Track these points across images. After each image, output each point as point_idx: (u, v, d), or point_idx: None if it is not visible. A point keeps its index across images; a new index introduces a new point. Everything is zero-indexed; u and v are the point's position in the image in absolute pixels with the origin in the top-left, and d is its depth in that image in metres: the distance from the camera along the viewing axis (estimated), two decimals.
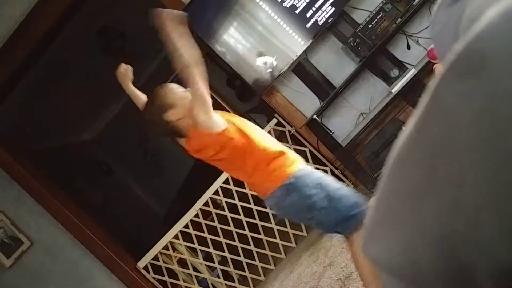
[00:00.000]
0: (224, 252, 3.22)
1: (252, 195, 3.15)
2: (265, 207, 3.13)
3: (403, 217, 0.30)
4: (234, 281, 3.32)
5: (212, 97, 1.75)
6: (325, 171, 3.04)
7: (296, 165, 1.64)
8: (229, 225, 3.20)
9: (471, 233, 0.26)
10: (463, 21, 0.33)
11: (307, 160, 3.00)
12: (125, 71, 1.91)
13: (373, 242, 0.33)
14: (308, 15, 2.82)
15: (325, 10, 2.80)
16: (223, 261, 3.41)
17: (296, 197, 1.57)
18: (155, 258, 3.28)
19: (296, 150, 1.94)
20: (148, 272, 3.30)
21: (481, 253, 0.25)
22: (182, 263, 3.45)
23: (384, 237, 0.31)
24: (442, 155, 0.27)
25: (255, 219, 3.17)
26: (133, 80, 1.94)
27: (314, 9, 2.80)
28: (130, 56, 4.81)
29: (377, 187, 0.33)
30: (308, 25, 2.83)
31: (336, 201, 1.57)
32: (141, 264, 3.29)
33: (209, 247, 3.25)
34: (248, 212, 3.20)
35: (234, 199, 3.19)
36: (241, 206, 3.19)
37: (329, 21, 2.81)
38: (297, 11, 2.83)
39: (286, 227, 3.11)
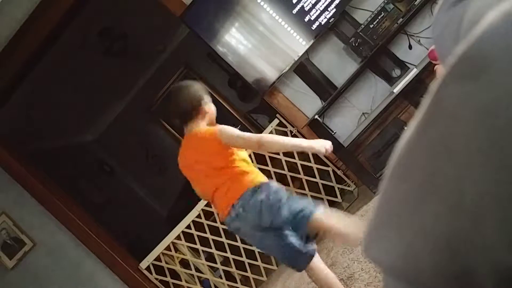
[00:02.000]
0: (226, 252, 3.21)
1: None
2: None
3: (405, 219, 0.30)
4: (236, 282, 3.32)
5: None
6: (327, 172, 3.04)
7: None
8: None
9: (472, 235, 0.26)
10: (464, 23, 0.33)
11: (308, 160, 3.01)
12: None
13: (375, 243, 0.33)
14: (310, 15, 2.82)
15: (326, 10, 2.80)
16: (225, 261, 3.40)
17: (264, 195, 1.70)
18: (157, 258, 3.28)
19: None
20: (151, 273, 3.30)
21: (483, 255, 0.25)
22: (184, 263, 3.45)
23: (386, 238, 0.31)
24: (443, 157, 0.27)
25: None
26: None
27: (315, 9, 2.81)
28: (131, 57, 4.82)
29: (379, 188, 0.33)
30: (309, 25, 2.83)
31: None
32: (143, 264, 3.29)
33: (211, 248, 3.25)
34: None
35: None
36: None
37: (330, 21, 2.81)
38: (297, 11, 2.83)
39: None
